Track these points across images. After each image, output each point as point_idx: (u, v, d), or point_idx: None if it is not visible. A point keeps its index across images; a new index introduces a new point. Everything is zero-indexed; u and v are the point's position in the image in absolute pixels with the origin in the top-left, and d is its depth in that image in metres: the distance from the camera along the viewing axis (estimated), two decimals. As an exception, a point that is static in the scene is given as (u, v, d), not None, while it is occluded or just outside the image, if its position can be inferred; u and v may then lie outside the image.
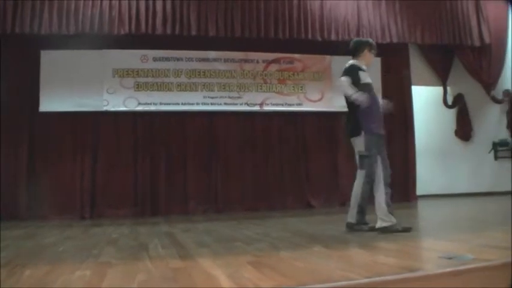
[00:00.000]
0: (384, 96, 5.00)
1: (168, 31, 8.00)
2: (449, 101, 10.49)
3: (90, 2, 7.77)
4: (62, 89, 8.06)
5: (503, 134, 10.21)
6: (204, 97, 8.62)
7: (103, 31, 7.78)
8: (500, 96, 10.16)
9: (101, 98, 8.22)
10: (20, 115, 7.95)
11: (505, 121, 10.19)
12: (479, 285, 2.34)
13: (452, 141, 10.53)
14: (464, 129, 10.48)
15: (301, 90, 9.06)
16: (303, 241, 3.99)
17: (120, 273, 2.71)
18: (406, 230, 4.26)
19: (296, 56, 9.12)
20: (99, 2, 7.80)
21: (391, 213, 4.32)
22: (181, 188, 8.44)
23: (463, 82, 10.28)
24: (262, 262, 2.90)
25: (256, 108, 8.84)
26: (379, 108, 4.64)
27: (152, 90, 8.43)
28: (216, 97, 8.66)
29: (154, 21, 7.95)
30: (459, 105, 10.50)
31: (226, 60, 8.79)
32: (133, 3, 7.90)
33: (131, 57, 8.43)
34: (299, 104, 9.03)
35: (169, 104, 8.47)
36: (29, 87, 7.98)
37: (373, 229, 4.37)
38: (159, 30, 7.96)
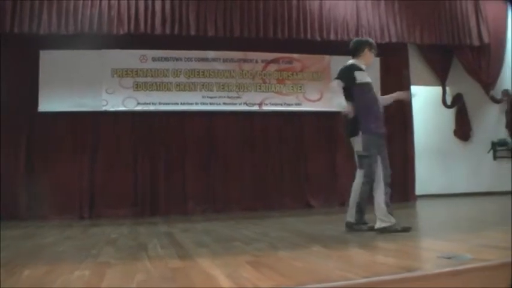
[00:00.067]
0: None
1: (167, 31, 8.01)
2: (449, 100, 10.50)
3: (89, 2, 7.78)
4: (61, 89, 8.06)
5: (502, 133, 10.22)
6: (203, 97, 8.62)
7: (102, 31, 7.79)
8: (499, 96, 10.16)
9: (100, 98, 8.22)
10: (19, 115, 7.94)
11: (504, 121, 10.20)
12: (479, 285, 2.34)
13: (452, 141, 10.54)
14: (463, 129, 10.49)
15: (300, 90, 9.06)
16: (302, 241, 3.99)
17: (119, 273, 2.71)
18: (406, 229, 4.26)
19: (295, 55, 9.12)
20: (98, 2, 7.81)
21: (390, 213, 4.31)
22: (180, 188, 8.44)
23: (462, 82, 10.29)
24: (261, 262, 2.90)
25: (255, 108, 8.84)
26: (379, 107, 4.62)
27: (151, 90, 8.43)
28: (215, 97, 8.66)
29: (154, 21, 7.96)
30: (458, 105, 10.50)
31: (225, 60, 8.79)
32: (132, 3, 7.91)
33: (130, 57, 8.43)
34: (298, 104, 9.03)
35: (168, 104, 8.47)
36: (28, 87, 7.98)
37: (372, 229, 4.37)
38: (158, 30, 7.96)
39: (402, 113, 9.47)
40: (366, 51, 4.77)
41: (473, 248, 3.15)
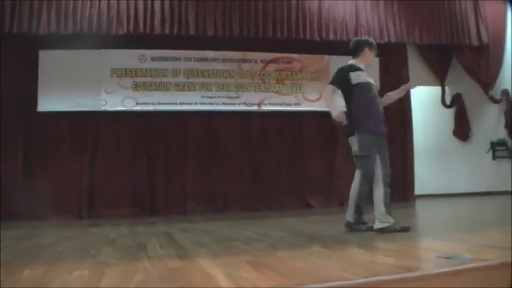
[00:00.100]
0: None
1: (167, 31, 8.02)
2: (448, 100, 10.50)
3: (89, 2, 7.78)
4: (60, 88, 8.06)
5: (501, 133, 10.23)
6: (203, 97, 8.62)
7: (101, 31, 7.79)
8: (498, 96, 10.17)
9: (99, 97, 8.22)
10: (18, 115, 7.94)
11: (503, 121, 10.21)
12: (478, 285, 2.34)
13: (451, 141, 10.55)
14: (462, 129, 10.50)
15: (299, 90, 9.06)
16: (302, 241, 3.99)
17: (119, 273, 2.70)
18: (405, 229, 4.25)
19: (294, 55, 9.13)
20: (97, 2, 7.82)
21: (389, 213, 4.31)
22: (180, 187, 8.44)
23: (461, 82, 10.29)
24: (260, 262, 2.89)
25: (255, 108, 8.84)
26: (379, 107, 4.61)
27: (150, 90, 8.43)
28: (215, 97, 8.66)
29: (153, 21, 7.97)
30: (457, 105, 10.51)
31: (224, 60, 8.79)
32: (132, 3, 7.91)
33: (129, 57, 8.43)
34: (297, 104, 9.03)
35: (167, 103, 8.48)
36: (27, 87, 7.98)
37: (371, 229, 4.36)
38: (157, 30, 7.97)
39: (402, 113, 9.48)
40: (366, 50, 4.76)
41: (473, 247, 3.15)
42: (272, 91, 8.95)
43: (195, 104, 8.58)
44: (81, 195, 8.08)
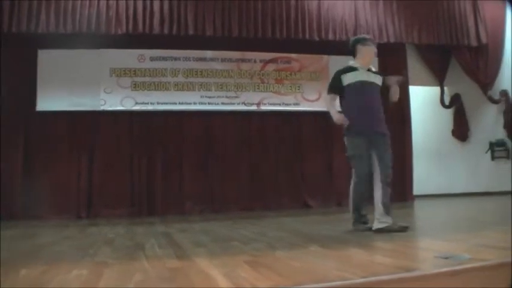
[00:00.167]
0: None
1: (166, 31, 8.01)
2: (447, 101, 10.51)
3: (88, 2, 7.78)
4: (59, 88, 8.06)
5: (500, 134, 10.23)
6: (202, 97, 8.62)
7: (100, 31, 7.78)
8: (497, 96, 10.17)
9: (98, 97, 8.22)
10: (18, 114, 7.93)
11: (502, 121, 10.20)
12: (478, 285, 2.34)
13: (449, 141, 10.57)
14: (461, 129, 10.51)
15: (298, 90, 9.06)
16: (300, 241, 3.98)
17: (117, 273, 2.70)
18: (403, 229, 4.24)
19: (293, 55, 9.13)
20: (96, 1, 7.81)
21: (387, 213, 4.30)
22: (178, 187, 8.44)
23: (460, 82, 10.31)
24: (259, 262, 2.89)
25: (254, 107, 8.84)
26: (371, 107, 4.55)
27: (149, 89, 8.43)
28: (214, 97, 8.66)
29: (152, 21, 7.96)
30: (456, 105, 10.52)
31: (223, 60, 8.79)
32: (131, 3, 7.91)
33: (128, 57, 8.43)
34: (296, 104, 9.03)
35: (166, 103, 8.47)
36: (26, 86, 7.97)
37: (370, 229, 4.37)
38: (156, 30, 7.97)
39: (401, 112, 9.48)
40: (359, 48, 4.71)
41: (472, 247, 3.15)
42: (271, 91, 8.95)
43: (194, 103, 8.58)
44: (80, 195, 8.07)
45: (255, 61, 8.94)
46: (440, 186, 10.10)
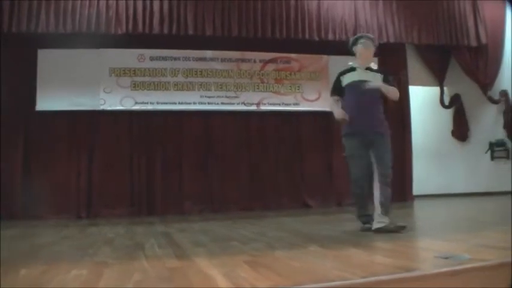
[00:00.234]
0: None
1: (165, 31, 8.01)
2: (446, 101, 10.51)
3: (88, 2, 7.77)
4: (59, 88, 8.05)
5: (499, 134, 10.23)
6: (201, 96, 8.61)
7: (100, 31, 7.78)
8: (496, 97, 10.18)
9: (97, 97, 8.21)
10: (17, 114, 7.92)
11: (501, 121, 10.21)
12: (478, 286, 2.34)
13: (449, 141, 10.57)
14: (461, 130, 10.51)
15: (298, 89, 9.06)
16: (299, 241, 3.98)
17: (116, 273, 2.70)
18: (399, 229, 4.22)
19: (293, 55, 9.12)
20: (96, 1, 7.80)
21: (384, 213, 4.29)
22: (178, 187, 8.44)
23: (459, 82, 10.31)
24: (258, 262, 2.89)
25: (253, 107, 8.84)
26: (366, 107, 4.51)
27: (149, 89, 8.42)
28: (213, 96, 8.66)
29: (152, 20, 7.96)
30: (456, 105, 10.52)
31: (223, 60, 8.79)
32: (131, 3, 7.91)
33: (128, 57, 8.42)
34: (296, 104, 9.03)
35: (166, 103, 8.47)
36: (26, 86, 7.96)
37: (369, 229, 4.37)
38: (156, 29, 7.97)
39: (400, 113, 9.47)
40: (355, 47, 4.73)
41: (472, 248, 3.15)
42: (271, 91, 8.95)
43: (194, 103, 8.58)
44: (80, 194, 8.07)
45: (254, 61, 8.94)
46: (440, 186, 10.10)
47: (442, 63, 10.41)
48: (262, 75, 8.94)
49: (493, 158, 10.29)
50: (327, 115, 8.64)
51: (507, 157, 10.13)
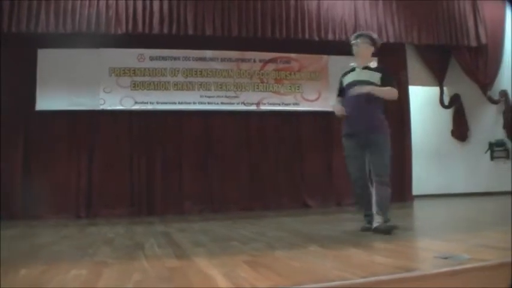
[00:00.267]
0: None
1: (165, 30, 8.01)
2: (446, 101, 10.52)
3: (87, 2, 7.76)
4: (59, 87, 8.05)
5: (499, 134, 10.23)
6: (201, 96, 8.61)
7: (100, 31, 7.77)
8: (496, 97, 10.18)
9: (97, 97, 8.21)
10: (17, 114, 7.91)
11: (501, 121, 10.21)
12: (477, 286, 2.34)
13: (449, 141, 10.57)
14: (460, 130, 10.51)
15: (298, 89, 9.06)
16: (299, 241, 3.98)
17: (116, 273, 2.70)
18: (389, 229, 4.16)
19: (293, 55, 9.12)
20: (96, 1, 7.80)
21: (378, 212, 4.28)
22: (178, 187, 8.43)
23: (459, 82, 10.31)
24: (258, 262, 2.89)
25: (253, 107, 8.83)
26: (358, 107, 4.46)
27: (149, 89, 8.42)
28: (213, 96, 8.65)
29: (151, 20, 7.96)
30: (456, 105, 10.53)
31: (223, 60, 8.78)
32: (130, 3, 7.91)
33: (128, 56, 8.42)
34: (296, 104, 9.03)
35: (165, 103, 8.46)
36: (26, 86, 7.95)
37: (370, 229, 4.37)
38: (156, 29, 7.96)
39: (400, 113, 9.47)
40: (352, 48, 4.75)
41: (471, 248, 3.15)
42: (271, 91, 8.94)
43: (194, 103, 8.57)
44: (79, 194, 8.06)
45: (254, 61, 8.94)
46: (440, 186, 10.10)
47: (442, 63, 10.42)
48: (262, 75, 8.93)
49: (492, 158, 10.29)
50: (326, 115, 8.73)
51: (507, 157, 10.13)
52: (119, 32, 7.83)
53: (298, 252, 3.33)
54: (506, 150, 10.15)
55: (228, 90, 8.73)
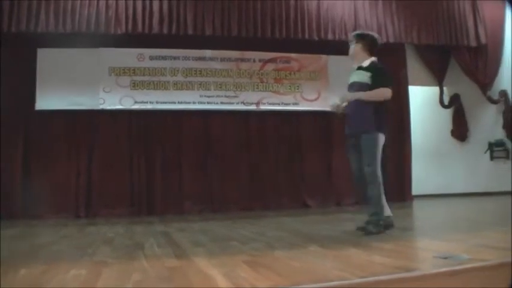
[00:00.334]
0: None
1: (165, 30, 8.01)
2: (446, 101, 10.51)
3: (87, 2, 7.76)
4: (59, 87, 8.04)
5: (499, 134, 10.22)
6: (201, 96, 8.60)
7: (100, 30, 7.77)
8: (496, 97, 10.17)
9: (97, 96, 8.20)
10: (17, 113, 7.90)
11: (501, 121, 10.20)
12: (477, 286, 2.34)
13: (449, 141, 10.57)
14: (460, 130, 10.51)
15: (297, 89, 9.05)
16: (299, 241, 3.99)
17: (116, 273, 2.70)
18: (368, 233, 4.15)
19: (292, 55, 9.12)
20: (95, 1, 7.79)
21: (368, 213, 4.30)
22: (177, 187, 8.43)
23: (459, 82, 10.31)
24: (258, 261, 2.89)
25: (253, 107, 8.83)
26: (352, 107, 4.49)
27: (148, 89, 8.41)
28: (213, 96, 8.65)
29: (151, 20, 7.96)
30: (455, 105, 10.52)
31: (222, 59, 8.78)
32: (130, 3, 7.91)
33: (128, 56, 8.41)
34: (295, 104, 9.02)
35: (165, 102, 8.46)
36: (26, 85, 7.95)
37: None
38: (155, 29, 7.96)
39: (400, 113, 9.47)
40: None
41: (471, 248, 3.15)
42: (270, 90, 8.94)
43: (193, 103, 8.57)
44: (79, 194, 8.06)
45: (254, 61, 8.93)
46: (439, 186, 10.10)
47: (441, 63, 10.41)
48: (262, 75, 8.93)
49: (492, 158, 10.29)
50: (326, 115, 8.72)
51: (506, 157, 10.12)
52: (119, 31, 7.83)
53: (298, 252, 3.34)
54: (506, 150, 10.14)
55: (228, 90, 8.72)
